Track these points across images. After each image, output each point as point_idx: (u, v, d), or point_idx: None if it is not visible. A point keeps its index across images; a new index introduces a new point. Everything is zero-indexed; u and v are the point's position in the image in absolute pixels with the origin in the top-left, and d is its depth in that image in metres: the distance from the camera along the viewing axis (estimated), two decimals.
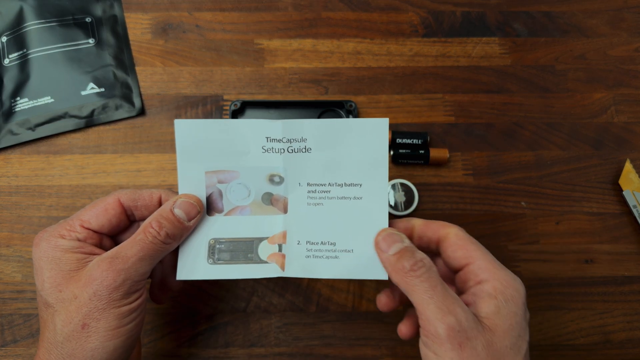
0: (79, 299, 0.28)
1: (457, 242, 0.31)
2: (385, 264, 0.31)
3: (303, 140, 0.33)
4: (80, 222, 0.31)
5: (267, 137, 0.33)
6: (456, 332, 0.26)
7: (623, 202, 0.45)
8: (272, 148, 0.33)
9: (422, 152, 0.45)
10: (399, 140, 0.45)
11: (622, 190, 0.45)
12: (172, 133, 0.45)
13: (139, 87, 0.47)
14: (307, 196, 0.34)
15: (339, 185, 0.33)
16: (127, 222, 0.33)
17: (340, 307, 0.42)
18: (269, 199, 0.34)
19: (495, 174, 0.45)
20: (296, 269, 0.33)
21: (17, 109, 0.45)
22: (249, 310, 0.41)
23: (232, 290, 0.42)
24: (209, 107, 0.46)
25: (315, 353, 0.40)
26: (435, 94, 0.48)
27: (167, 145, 0.45)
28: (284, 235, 0.34)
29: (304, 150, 0.33)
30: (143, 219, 0.33)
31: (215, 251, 0.33)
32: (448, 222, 0.32)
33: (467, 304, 0.28)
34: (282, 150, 0.33)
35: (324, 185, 0.34)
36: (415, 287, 0.28)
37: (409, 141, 0.45)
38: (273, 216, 0.34)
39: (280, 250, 0.34)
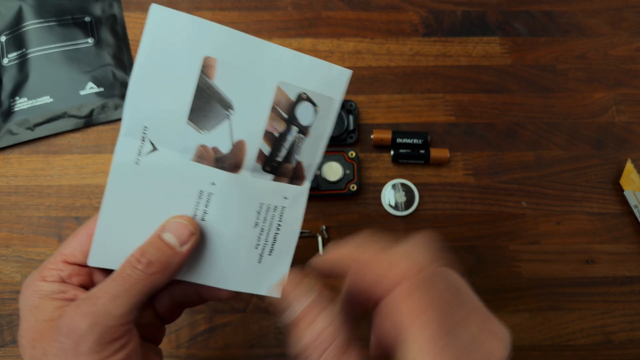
0: (47, 357, 0.23)
1: (392, 305, 0.20)
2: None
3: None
4: (62, 258, 0.26)
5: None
6: None
7: (624, 202, 0.45)
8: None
9: (423, 152, 0.44)
10: (399, 140, 0.45)
11: (623, 190, 0.45)
12: None
13: None
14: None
15: None
16: None
17: None
18: None
19: (496, 174, 0.45)
20: None
21: (16, 109, 0.45)
22: (248, 310, 0.41)
23: None
24: None
25: None
26: (436, 93, 0.48)
27: None
28: None
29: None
30: None
31: None
32: (412, 251, 0.22)
33: None
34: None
35: None
36: None
37: (409, 141, 0.45)
38: None
39: None
